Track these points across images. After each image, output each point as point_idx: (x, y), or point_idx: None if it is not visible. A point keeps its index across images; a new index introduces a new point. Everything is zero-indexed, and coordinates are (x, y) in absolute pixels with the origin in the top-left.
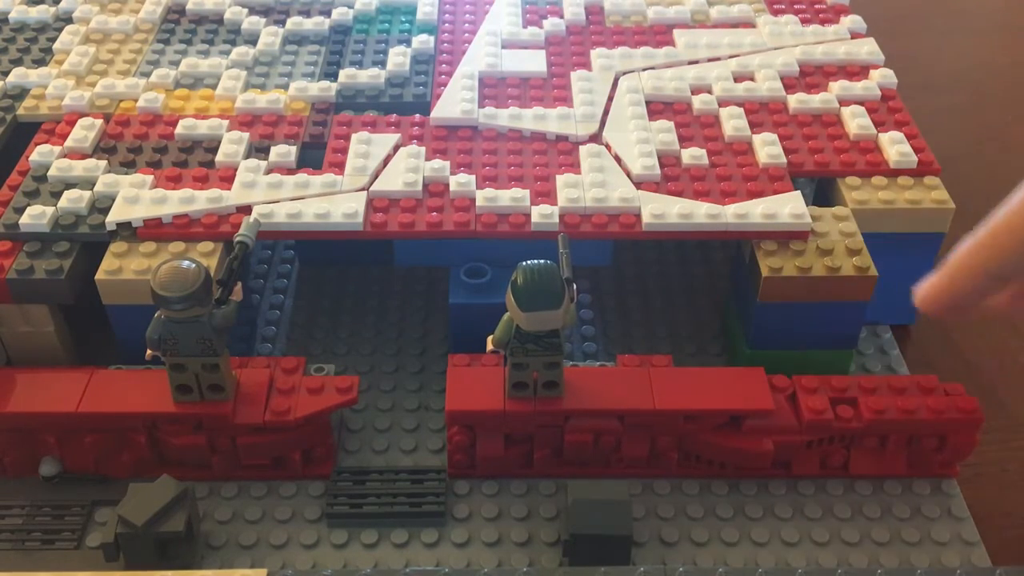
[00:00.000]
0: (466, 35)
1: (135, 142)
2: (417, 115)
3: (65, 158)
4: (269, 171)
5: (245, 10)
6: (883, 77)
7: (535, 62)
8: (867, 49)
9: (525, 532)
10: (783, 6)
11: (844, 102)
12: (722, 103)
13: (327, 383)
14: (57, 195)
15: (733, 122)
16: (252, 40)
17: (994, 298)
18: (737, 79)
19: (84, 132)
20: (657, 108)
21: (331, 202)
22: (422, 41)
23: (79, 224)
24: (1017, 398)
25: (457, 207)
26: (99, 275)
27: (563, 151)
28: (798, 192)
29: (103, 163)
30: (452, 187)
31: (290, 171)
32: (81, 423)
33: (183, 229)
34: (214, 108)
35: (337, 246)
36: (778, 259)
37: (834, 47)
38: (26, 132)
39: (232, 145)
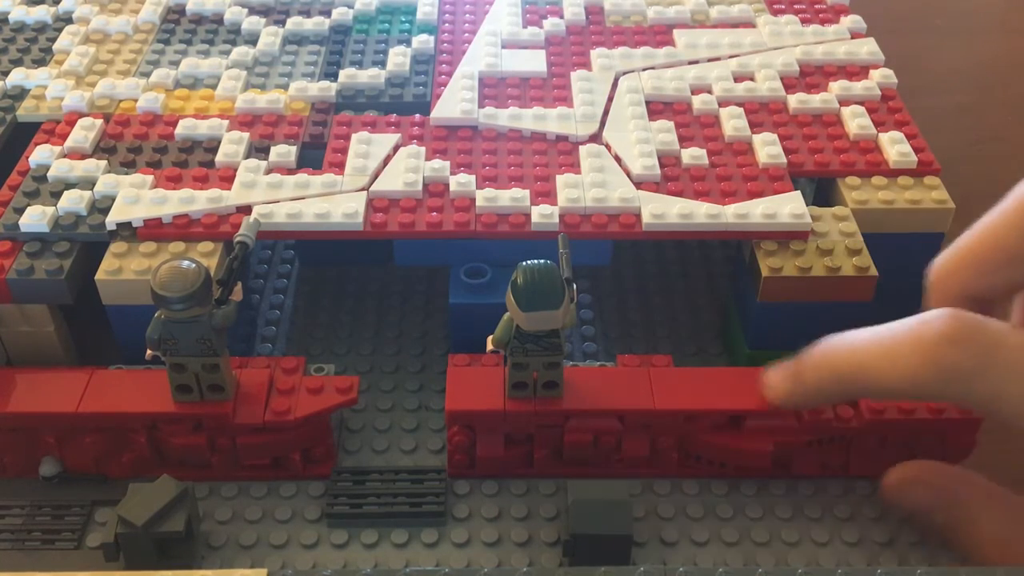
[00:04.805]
0: (466, 35)
1: (135, 142)
2: (417, 115)
3: (65, 158)
4: (269, 171)
5: (245, 10)
6: (883, 77)
7: (535, 62)
8: (867, 49)
9: (525, 532)
10: (783, 6)
11: (844, 102)
12: (722, 103)
13: (327, 383)
14: (57, 195)
15: (733, 122)
16: (252, 40)
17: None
18: (737, 79)
19: (84, 132)
20: (657, 108)
21: (331, 202)
22: (422, 41)
23: (79, 224)
24: None
25: (457, 207)
26: (99, 275)
27: (563, 151)
28: (798, 192)
29: (103, 163)
30: (452, 187)
31: (290, 171)
32: (81, 423)
33: (183, 229)
34: (214, 108)
35: (337, 246)
36: (778, 259)
37: (834, 47)
38: (26, 132)
39: (232, 145)
